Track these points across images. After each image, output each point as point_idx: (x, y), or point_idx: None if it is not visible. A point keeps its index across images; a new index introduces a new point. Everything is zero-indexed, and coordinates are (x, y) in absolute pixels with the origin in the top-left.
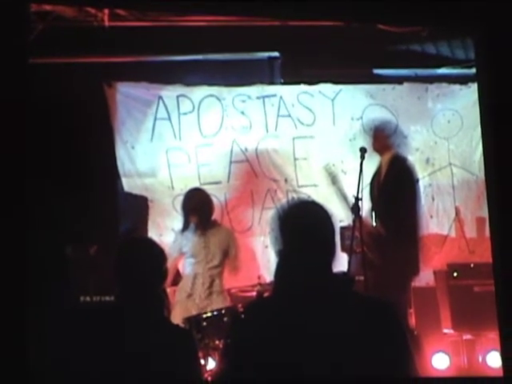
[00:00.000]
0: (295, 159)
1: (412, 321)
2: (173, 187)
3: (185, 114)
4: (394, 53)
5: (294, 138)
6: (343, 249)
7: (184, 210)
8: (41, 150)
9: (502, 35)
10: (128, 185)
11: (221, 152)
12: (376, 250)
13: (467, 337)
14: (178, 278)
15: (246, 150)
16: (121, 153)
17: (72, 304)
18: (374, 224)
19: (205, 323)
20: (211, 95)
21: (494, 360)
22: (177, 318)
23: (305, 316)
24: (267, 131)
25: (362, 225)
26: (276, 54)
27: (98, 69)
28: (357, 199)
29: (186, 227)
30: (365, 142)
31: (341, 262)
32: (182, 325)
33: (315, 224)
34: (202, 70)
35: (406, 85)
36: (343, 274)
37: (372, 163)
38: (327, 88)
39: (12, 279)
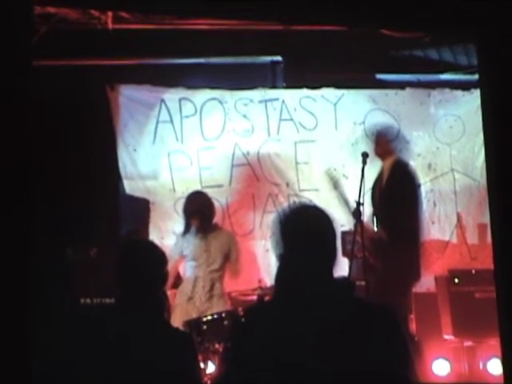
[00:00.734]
0: (297, 163)
1: (413, 326)
2: (174, 190)
3: (187, 117)
4: (397, 58)
5: (295, 142)
6: (344, 253)
7: (185, 213)
8: (43, 153)
9: (505, 41)
10: (130, 187)
11: (223, 155)
12: (377, 255)
13: (468, 343)
14: (178, 280)
15: (248, 153)
16: (123, 155)
17: (73, 306)
18: (376, 229)
19: (205, 326)
20: (213, 98)
21: (494, 367)
22: (177, 321)
23: (305, 320)
24: (269, 135)
25: (364, 230)
26: (278, 58)
27: (101, 71)
28: (358, 204)
29: (187, 230)
30: (367, 146)
31: (342, 267)
32: (182, 328)
33: (316, 228)
34: (204, 73)
35: (408, 90)
36: (344, 278)
37: (374, 168)
38: (330, 92)
39: (13, 281)
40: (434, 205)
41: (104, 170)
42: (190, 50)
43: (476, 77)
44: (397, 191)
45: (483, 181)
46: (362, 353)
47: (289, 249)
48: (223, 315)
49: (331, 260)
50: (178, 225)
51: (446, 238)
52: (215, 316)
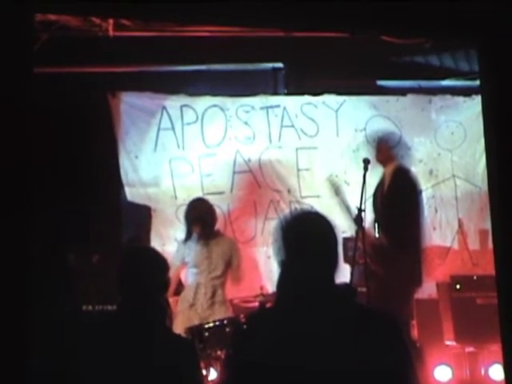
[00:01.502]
0: (298, 170)
1: (414, 333)
2: (176, 197)
3: (188, 124)
4: (398, 64)
5: (297, 149)
6: (346, 260)
7: (187, 219)
8: (45, 160)
9: (506, 46)
10: (131, 194)
11: (224, 162)
12: (379, 261)
13: (470, 349)
14: (180, 287)
15: (250, 160)
16: (124, 162)
17: (74, 312)
18: (377, 235)
19: (207, 333)
20: (215, 105)
21: (496, 373)
22: (179, 327)
23: (307, 327)
24: (270, 142)
25: (365, 236)
26: (280, 64)
27: (103, 78)
28: (360, 210)
29: (188, 237)
30: (368, 153)
31: (343, 273)
32: (184, 335)
33: (318, 235)
34: (205, 80)
35: (409, 96)
36: (346, 285)
37: (375, 174)
38: (331, 99)
39: (14, 287)
40: (436, 211)
41: (106, 177)
42: (191, 57)
43: (477, 83)
44: (398, 197)
45: (484, 187)
46: (364, 359)
47: (290, 255)
48: (225, 322)
49: (333, 266)
50: (180, 232)
51: (448, 244)
52: (217, 323)
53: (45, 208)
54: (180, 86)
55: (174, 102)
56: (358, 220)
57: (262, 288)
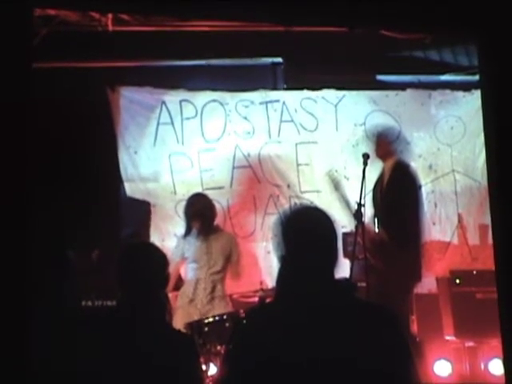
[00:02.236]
0: (298, 165)
1: (414, 327)
2: (175, 192)
3: (188, 118)
4: (398, 59)
5: (296, 144)
6: (345, 255)
7: (186, 215)
8: (44, 155)
9: (506, 41)
10: (130, 189)
11: (223, 157)
12: (378, 256)
13: (469, 344)
14: (179, 283)
15: (249, 155)
16: (124, 157)
17: (74, 308)
18: (377, 230)
19: (206, 328)
20: (214, 100)
21: (496, 367)
22: (178, 323)
23: (307, 322)
24: (270, 137)
25: (365, 231)
26: (279, 59)
27: (102, 73)
28: (359, 205)
29: (188, 232)
30: (368, 148)
31: (343, 268)
32: (183, 330)
33: (317, 230)
34: (205, 75)
35: (409, 91)
36: (345, 280)
37: (375, 169)
38: (330, 94)
39: (14, 284)
40: (435, 206)
41: (105, 172)
42: (190, 51)
43: (477, 77)
44: (398, 192)
45: (484, 181)
46: (364, 354)
47: (290, 250)
48: (225, 317)
49: (332, 261)
50: (179, 227)
51: (447, 239)
52: (217, 318)
53: (44, 204)
54: (179, 81)
55: (173, 97)
56: (358, 215)
57: (261, 283)
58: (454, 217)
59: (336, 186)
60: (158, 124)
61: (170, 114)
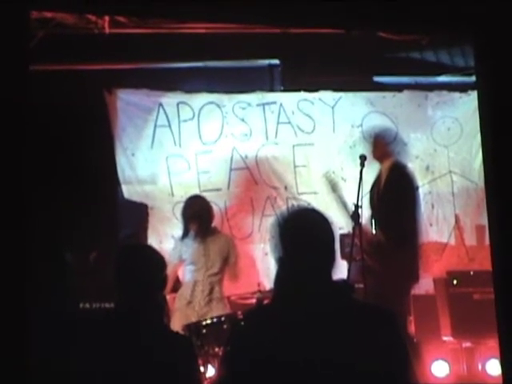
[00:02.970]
0: (295, 166)
1: (412, 328)
2: (173, 194)
3: (185, 121)
4: (394, 60)
5: (293, 146)
6: (343, 256)
7: (184, 217)
8: (42, 157)
9: (502, 42)
10: (128, 192)
11: (221, 159)
12: (376, 257)
13: (467, 344)
14: (177, 285)
15: (246, 157)
16: (121, 160)
17: (72, 311)
18: (374, 231)
19: (204, 330)
20: (211, 102)
21: (493, 368)
22: (176, 325)
23: (304, 323)
24: (267, 138)
25: (362, 232)
26: (276, 61)
27: (99, 76)
28: (357, 207)
29: (185, 234)
30: (365, 149)
31: (341, 270)
32: (181, 332)
33: (315, 231)
34: (202, 77)
35: (406, 92)
36: (343, 281)
37: (372, 171)
38: (327, 95)
39: (12, 286)
40: (432, 207)
41: (102, 174)
42: (187, 53)
43: (473, 78)
44: (395, 194)
45: (481, 182)
46: (362, 355)
47: (288, 252)
48: (222, 319)
49: (330, 263)
50: (177, 229)
51: (444, 240)
52: (214, 320)
53: (42, 206)
54: (176, 83)
55: (170, 99)
56: (355, 216)
57: (259, 285)
58: (451, 218)
59: (333, 187)
60: (156, 126)
61: (167, 116)
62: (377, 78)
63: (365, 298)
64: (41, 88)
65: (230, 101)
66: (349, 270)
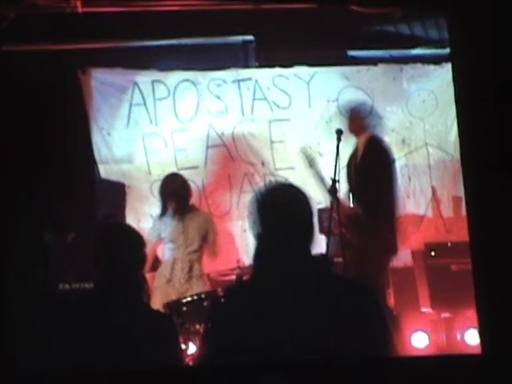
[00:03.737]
0: (272, 142)
1: (391, 301)
2: (150, 173)
3: (160, 99)
4: (368, 34)
5: (270, 121)
6: (321, 231)
7: (162, 195)
8: (17, 139)
9: (475, 14)
10: (105, 171)
11: (197, 137)
12: (354, 231)
13: (446, 315)
14: (157, 263)
15: (223, 134)
16: (97, 139)
17: (51, 291)
18: (352, 205)
19: (185, 308)
20: (186, 80)
21: (472, 338)
22: (157, 303)
23: (284, 298)
24: (243, 115)
25: (340, 206)
26: (250, 37)
27: (72, 55)
28: (334, 181)
29: (164, 213)
30: (341, 123)
31: (319, 244)
32: (162, 310)
33: (293, 206)
34: (176, 54)
35: (380, 66)
36: (322, 255)
37: (348, 145)
38: (302, 71)
39: None
40: (409, 179)
41: (79, 155)
42: (161, 31)
43: (447, 50)
44: (372, 167)
45: (457, 154)
46: (341, 328)
47: (266, 228)
48: (203, 296)
49: (308, 237)
50: (155, 207)
51: (422, 212)
52: (195, 297)
53: (19, 187)
54: (151, 62)
55: (145, 78)
56: (333, 191)
57: (238, 261)
58: (427, 190)
59: (310, 162)
60: (131, 105)
61: (142, 94)
62: (351, 53)
63: (344, 272)
64: (14, 69)
65: (204, 78)
66: (327, 245)
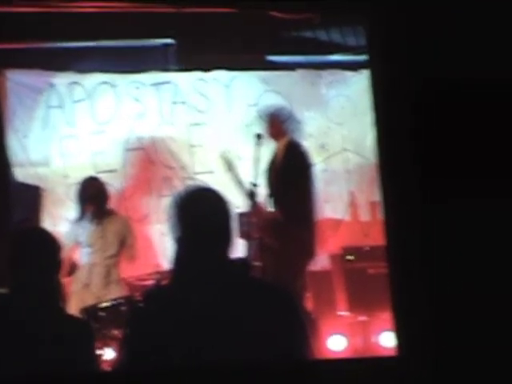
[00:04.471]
0: (191, 146)
1: (309, 304)
2: (67, 176)
3: (78, 101)
4: (287, 39)
5: (189, 125)
6: (241, 235)
7: (79, 199)
8: None
9: (392, 21)
10: (21, 175)
11: (116, 140)
12: (273, 235)
13: (362, 318)
14: (73, 268)
15: (142, 137)
16: (12, 142)
17: None
18: (271, 209)
19: (102, 313)
20: (104, 82)
21: (387, 340)
22: (73, 308)
23: (203, 303)
24: (162, 118)
25: (259, 211)
26: (171, 40)
27: None
28: (253, 185)
29: (81, 217)
30: (260, 128)
31: (239, 249)
32: (78, 315)
33: (210, 210)
34: (94, 56)
35: (299, 71)
36: (241, 260)
37: (268, 149)
38: (222, 75)
39: None
40: (327, 184)
41: None
42: (79, 33)
43: (364, 57)
44: (290, 172)
45: (374, 159)
46: (260, 332)
47: (184, 232)
48: (120, 301)
49: (227, 242)
50: (72, 211)
51: (340, 216)
52: (112, 302)
53: None
54: (68, 63)
55: (62, 79)
56: (252, 195)
57: (157, 266)
58: (345, 194)
59: (229, 166)
60: (48, 107)
61: (59, 96)
62: (270, 57)
63: (262, 276)
64: None
65: (123, 80)
66: (247, 249)
